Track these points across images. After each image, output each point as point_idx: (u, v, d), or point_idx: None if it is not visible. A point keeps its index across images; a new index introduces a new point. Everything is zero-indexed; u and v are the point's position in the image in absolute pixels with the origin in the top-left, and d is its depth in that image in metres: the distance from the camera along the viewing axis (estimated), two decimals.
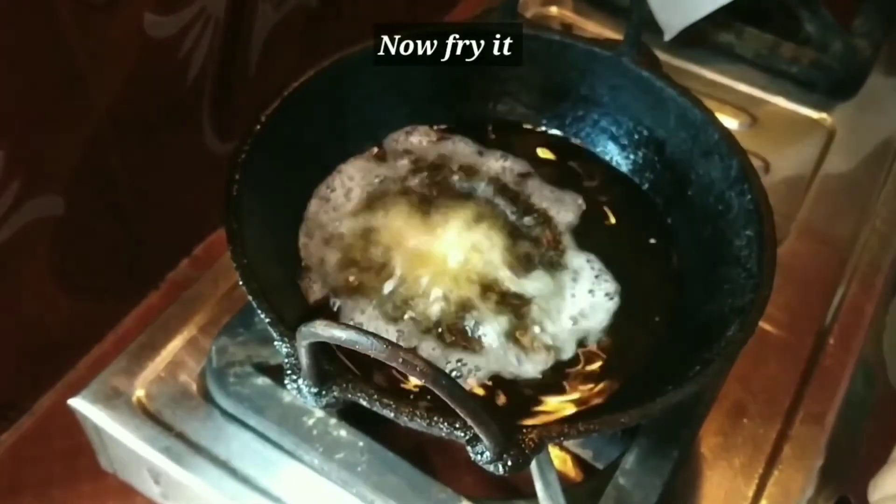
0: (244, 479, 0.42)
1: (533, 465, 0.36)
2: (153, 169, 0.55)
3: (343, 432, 0.42)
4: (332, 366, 0.30)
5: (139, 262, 0.57)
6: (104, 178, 0.52)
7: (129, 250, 0.56)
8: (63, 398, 0.45)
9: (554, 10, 0.72)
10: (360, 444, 0.42)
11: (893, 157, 0.62)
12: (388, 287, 0.44)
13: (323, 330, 0.26)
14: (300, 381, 0.30)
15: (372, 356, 0.25)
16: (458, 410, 0.27)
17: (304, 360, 0.29)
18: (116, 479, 0.48)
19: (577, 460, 0.45)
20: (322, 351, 0.29)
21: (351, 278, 0.44)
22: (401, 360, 0.25)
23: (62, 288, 0.52)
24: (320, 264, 0.45)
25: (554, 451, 0.44)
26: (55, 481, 0.50)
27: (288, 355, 0.31)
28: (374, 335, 0.25)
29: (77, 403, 0.44)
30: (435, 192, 0.49)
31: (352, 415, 0.42)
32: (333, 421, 0.42)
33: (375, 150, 0.51)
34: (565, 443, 0.44)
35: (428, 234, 0.46)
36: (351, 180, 0.49)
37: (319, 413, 0.42)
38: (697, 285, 0.45)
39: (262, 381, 0.43)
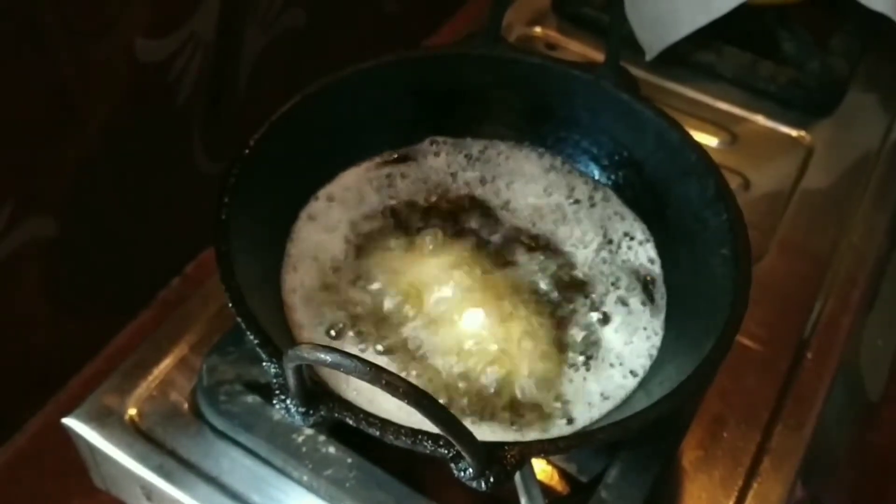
0: (234, 496, 0.42)
1: (517, 480, 0.37)
2: (144, 189, 0.55)
3: (332, 449, 0.42)
4: (318, 386, 0.31)
5: (131, 280, 0.58)
6: (96, 198, 0.52)
7: (121, 269, 0.57)
8: (55, 416, 0.45)
9: (538, 30, 0.72)
10: (349, 460, 0.42)
11: (871, 174, 0.63)
12: (375, 314, 0.45)
13: (308, 353, 0.27)
14: (288, 402, 0.31)
15: (355, 378, 0.26)
16: (440, 429, 0.28)
17: (292, 381, 0.30)
18: (109, 496, 0.48)
19: (563, 474, 0.45)
20: (309, 372, 0.30)
21: (335, 306, 0.45)
22: (384, 381, 0.26)
23: (55, 307, 0.53)
24: (304, 287, 0.46)
25: (540, 465, 0.45)
26: (48, 499, 0.51)
27: (276, 376, 0.32)
28: (358, 358, 0.26)
29: (70, 422, 0.45)
30: (422, 223, 0.49)
31: (341, 432, 0.43)
32: (322, 438, 0.43)
33: (363, 172, 0.51)
34: (549, 457, 0.45)
35: (417, 267, 0.47)
36: (338, 201, 0.50)
37: (308, 430, 0.42)
38: (677, 302, 0.46)
39: (252, 398, 0.44)
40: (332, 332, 0.44)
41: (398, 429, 0.31)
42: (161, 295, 0.60)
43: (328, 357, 0.26)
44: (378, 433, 0.31)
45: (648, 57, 0.66)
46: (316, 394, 0.32)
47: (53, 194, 0.49)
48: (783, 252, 0.57)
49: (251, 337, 0.34)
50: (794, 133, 0.65)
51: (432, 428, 0.29)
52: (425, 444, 0.31)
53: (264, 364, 0.33)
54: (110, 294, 0.57)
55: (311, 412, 0.31)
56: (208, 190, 0.42)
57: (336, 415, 0.32)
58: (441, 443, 0.31)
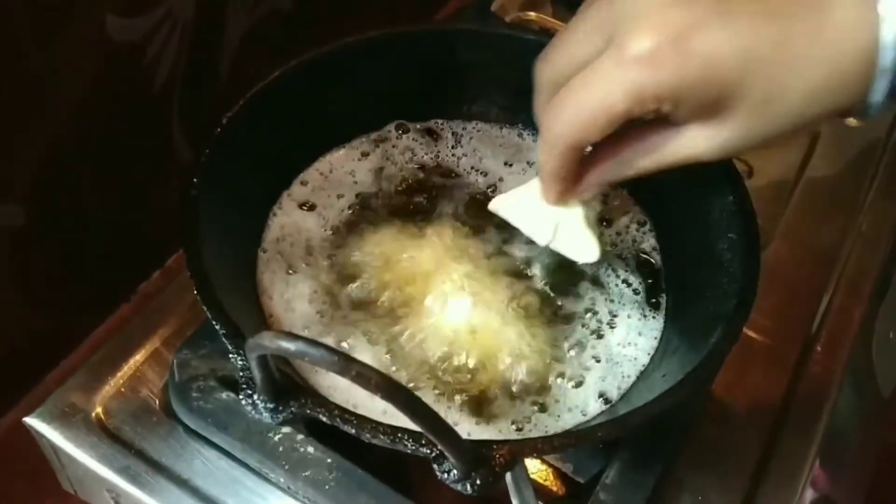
0: (207, 499, 0.40)
1: (508, 481, 0.35)
2: (120, 178, 0.53)
3: (310, 448, 0.41)
4: (289, 380, 0.29)
5: (108, 273, 0.56)
6: (67, 186, 0.50)
7: (99, 261, 0.55)
8: (27, 415, 0.44)
9: (533, 14, 0.70)
10: (329, 460, 0.40)
11: (878, 161, 0.61)
12: (356, 303, 0.43)
13: (270, 341, 0.24)
14: (255, 397, 0.29)
15: (324, 369, 0.23)
16: (419, 426, 0.26)
17: (257, 373, 0.27)
18: (78, 499, 0.46)
19: (558, 473, 0.43)
20: (278, 364, 0.28)
21: (315, 296, 0.43)
22: (354, 372, 0.23)
23: (25, 300, 0.51)
24: (282, 275, 0.43)
25: (534, 464, 0.43)
26: (17, 501, 0.49)
27: (243, 369, 0.30)
28: (325, 346, 0.23)
29: (32, 421, 0.43)
30: (409, 207, 0.47)
31: (320, 430, 0.41)
32: (300, 437, 0.41)
33: (346, 154, 0.49)
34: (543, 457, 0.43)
35: (404, 253, 0.45)
36: (320, 183, 0.48)
37: (286, 429, 0.41)
38: (680, 291, 0.44)
39: (227, 395, 0.42)
40: (310, 324, 0.42)
41: (375, 426, 0.29)
42: (142, 288, 0.58)
43: (292, 345, 0.23)
44: (354, 431, 0.29)
45: None
46: (286, 388, 0.29)
47: (20, 181, 0.47)
48: (789, 241, 0.55)
49: (216, 325, 0.32)
50: None
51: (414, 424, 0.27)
52: (405, 442, 0.29)
53: (230, 355, 0.31)
54: (87, 287, 0.55)
55: (281, 408, 0.29)
56: None
57: (308, 411, 0.29)
58: (423, 442, 0.29)
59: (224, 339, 0.32)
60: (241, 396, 0.30)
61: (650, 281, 0.45)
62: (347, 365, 0.23)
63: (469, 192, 0.48)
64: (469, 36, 0.48)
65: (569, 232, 0.39)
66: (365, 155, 0.49)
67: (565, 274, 0.45)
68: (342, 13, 0.67)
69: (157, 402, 0.44)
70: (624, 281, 0.45)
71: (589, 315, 0.43)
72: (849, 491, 0.48)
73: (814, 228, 0.56)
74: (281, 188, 0.46)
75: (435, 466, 0.29)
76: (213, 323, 0.32)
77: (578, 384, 0.41)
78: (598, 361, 0.42)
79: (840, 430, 0.47)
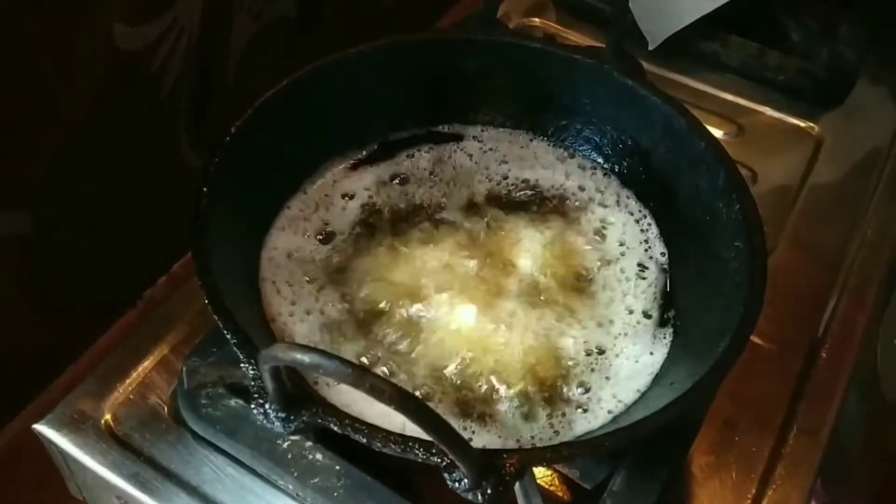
0: None
1: (517, 489, 0.35)
2: (127, 185, 0.54)
3: (319, 455, 0.41)
4: (300, 390, 0.29)
5: (115, 279, 0.56)
6: (74, 193, 0.50)
7: (104, 268, 0.55)
8: (34, 421, 0.44)
9: (537, 20, 0.71)
10: (337, 467, 0.40)
11: (883, 165, 0.61)
12: (365, 312, 0.43)
13: (284, 353, 0.24)
14: (266, 406, 0.29)
15: (337, 381, 0.24)
16: (431, 436, 0.26)
17: (269, 383, 0.27)
18: None
19: (564, 479, 0.43)
20: (289, 374, 0.28)
21: (323, 305, 0.43)
22: (368, 384, 0.23)
23: (32, 306, 0.51)
24: (290, 284, 0.44)
25: (540, 470, 0.43)
26: None
27: (254, 378, 0.30)
28: (339, 358, 0.24)
29: (42, 428, 0.43)
30: (415, 217, 0.47)
31: (329, 437, 0.41)
32: (309, 444, 0.41)
33: (352, 164, 0.49)
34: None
35: (411, 263, 0.45)
36: (327, 192, 0.48)
37: (295, 435, 0.41)
38: (686, 300, 0.44)
39: (235, 402, 0.42)
40: (319, 332, 0.42)
41: (387, 435, 0.29)
42: (148, 294, 0.58)
43: (305, 357, 0.24)
44: (365, 440, 0.29)
45: (651, 46, 0.65)
46: (298, 398, 0.29)
47: (27, 189, 0.47)
48: (793, 248, 0.55)
49: (228, 335, 0.32)
50: (802, 124, 0.64)
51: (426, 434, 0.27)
52: (416, 451, 0.29)
53: (242, 365, 0.31)
54: (94, 293, 0.55)
55: (292, 418, 0.29)
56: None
57: (319, 421, 0.29)
58: (433, 451, 0.29)
59: (236, 349, 0.32)
60: (252, 406, 0.30)
61: (657, 288, 0.45)
62: (361, 377, 0.23)
63: (475, 199, 0.48)
64: (473, 45, 0.48)
65: None
66: (372, 161, 0.49)
67: (572, 281, 0.45)
68: (347, 21, 0.67)
69: (166, 409, 0.44)
70: (631, 287, 0.45)
71: (595, 323, 0.43)
72: (853, 497, 0.48)
73: (818, 234, 0.56)
74: (288, 195, 0.46)
75: (445, 475, 0.29)
76: (225, 334, 0.32)
77: (587, 392, 0.41)
78: (607, 370, 0.41)
79: (845, 436, 0.47)
